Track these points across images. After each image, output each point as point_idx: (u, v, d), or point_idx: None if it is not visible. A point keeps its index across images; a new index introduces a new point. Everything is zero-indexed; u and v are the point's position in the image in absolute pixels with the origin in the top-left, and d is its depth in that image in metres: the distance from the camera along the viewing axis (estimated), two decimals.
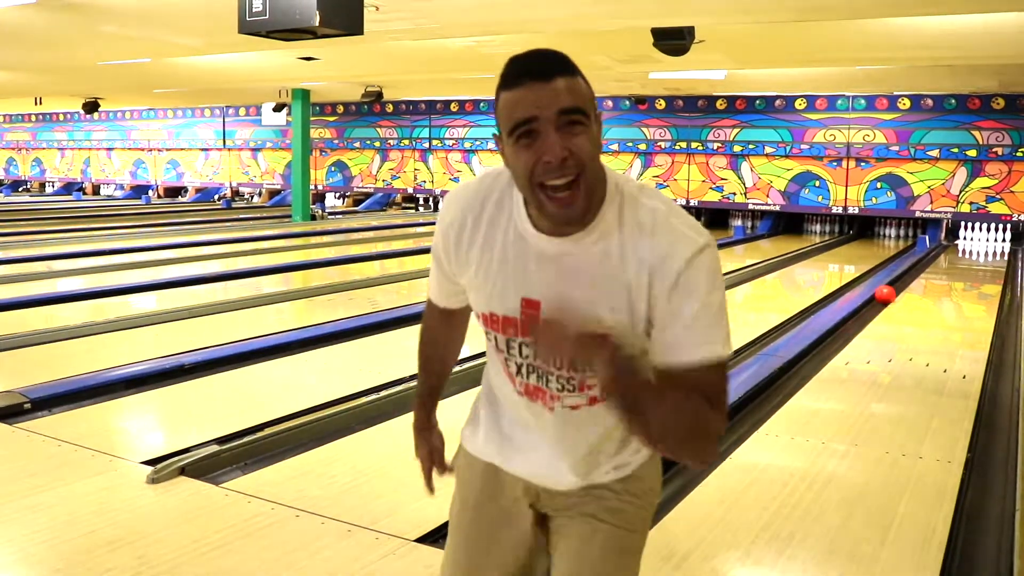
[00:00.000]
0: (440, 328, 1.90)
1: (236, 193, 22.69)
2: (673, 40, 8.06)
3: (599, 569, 1.69)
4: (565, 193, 1.43)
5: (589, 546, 1.69)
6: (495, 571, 1.79)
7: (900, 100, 15.06)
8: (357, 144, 20.68)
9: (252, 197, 22.77)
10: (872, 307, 8.33)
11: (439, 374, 1.96)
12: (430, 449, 1.95)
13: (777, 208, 16.45)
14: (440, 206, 1.70)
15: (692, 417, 1.43)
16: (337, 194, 21.67)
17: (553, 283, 1.52)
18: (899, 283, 10.09)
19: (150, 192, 23.68)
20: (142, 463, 3.86)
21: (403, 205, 21.05)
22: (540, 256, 1.52)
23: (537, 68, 1.44)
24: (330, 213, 19.13)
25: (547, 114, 1.41)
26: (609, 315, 1.47)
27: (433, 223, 12.10)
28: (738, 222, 17.28)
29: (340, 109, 20.68)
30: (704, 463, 1.54)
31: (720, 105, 16.48)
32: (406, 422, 4.69)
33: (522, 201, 1.54)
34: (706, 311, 1.44)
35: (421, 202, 20.76)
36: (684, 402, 1.43)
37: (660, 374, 1.47)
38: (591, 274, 1.49)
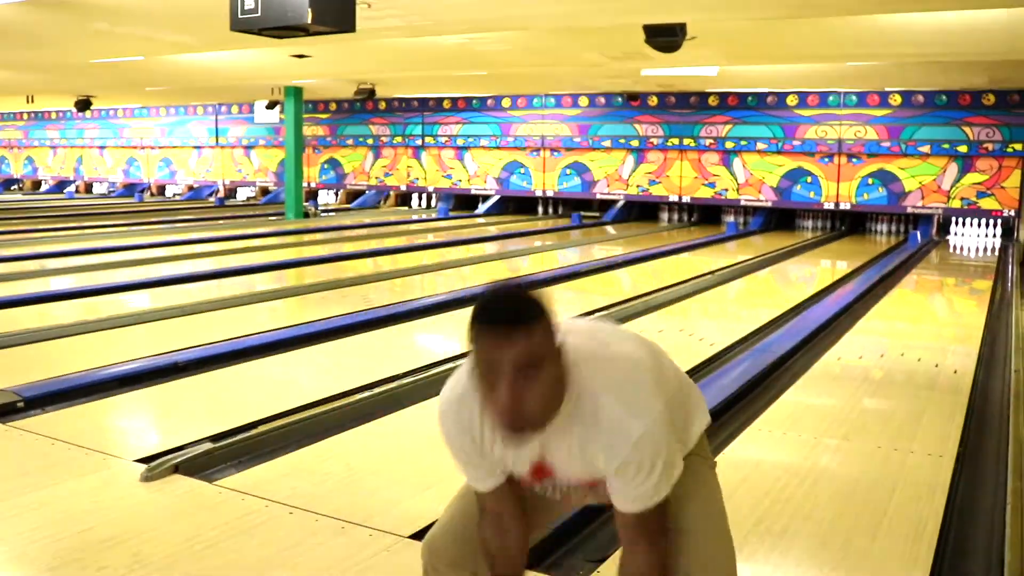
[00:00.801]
0: (499, 514, 2.01)
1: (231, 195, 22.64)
2: (665, 37, 8.07)
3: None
4: (511, 430, 1.73)
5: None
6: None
7: (891, 96, 15.10)
8: (350, 141, 20.66)
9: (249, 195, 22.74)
10: (864, 302, 8.36)
11: (511, 560, 2.04)
12: None
13: (769, 204, 16.49)
14: (441, 428, 1.99)
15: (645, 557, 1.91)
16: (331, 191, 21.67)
17: (546, 454, 1.89)
18: (891, 278, 10.13)
19: (143, 191, 23.63)
20: (136, 461, 3.86)
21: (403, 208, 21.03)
22: (525, 446, 1.87)
23: (500, 320, 1.64)
24: (323, 210, 19.11)
25: (503, 367, 1.63)
26: (590, 466, 1.87)
27: (423, 220, 12.13)
28: (730, 218, 17.30)
29: (333, 106, 20.66)
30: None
31: (712, 101, 16.50)
32: (399, 419, 4.72)
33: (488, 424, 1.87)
34: (648, 477, 1.80)
35: (418, 204, 20.71)
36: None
37: (619, 523, 1.94)
38: (565, 451, 1.86)
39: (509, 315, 1.63)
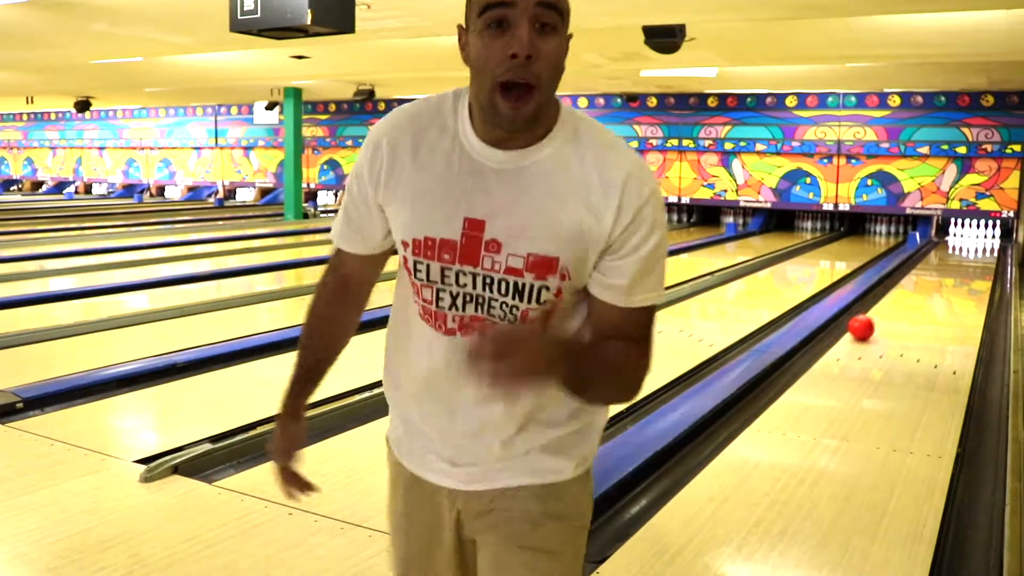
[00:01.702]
0: (338, 295, 1.71)
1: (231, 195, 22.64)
2: (664, 38, 8.07)
3: None
4: (519, 92, 1.33)
5: (514, 560, 1.55)
6: None
7: (890, 97, 15.11)
8: (349, 142, 20.65)
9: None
10: (863, 304, 8.36)
11: (325, 355, 1.75)
12: (291, 442, 1.75)
13: (768, 205, 16.49)
14: (372, 129, 1.52)
15: (629, 369, 1.43)
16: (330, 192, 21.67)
17: (504, 199, 1.40)
18: (889, 279, 10.13)
19: (142, 192, 23.64)
20: (135, 462, 3.86)
21: None
22: (489, 171, 1.41)
23: None
24: (322, 211, 19.11)
25: (523, 4, 1.31)
26: (569, 230, 1.38)
27: None
28: (729, 219, 17.30)
29: (332, 107, 20.65)
30: (633, 397, 1.48)
31: (711, 102, 16.51)
32: None
33: (467, 118, 1.44)
34: (656, 254, 1.42)
35: None
36: (620, 360, 1.42)
37: (596, 323, 1.45)
38: (548, 187, 1.39)
39: None
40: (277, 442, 1.75)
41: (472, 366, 1.25)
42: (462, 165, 1.42)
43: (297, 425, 1.77)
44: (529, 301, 1.41)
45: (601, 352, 1.42)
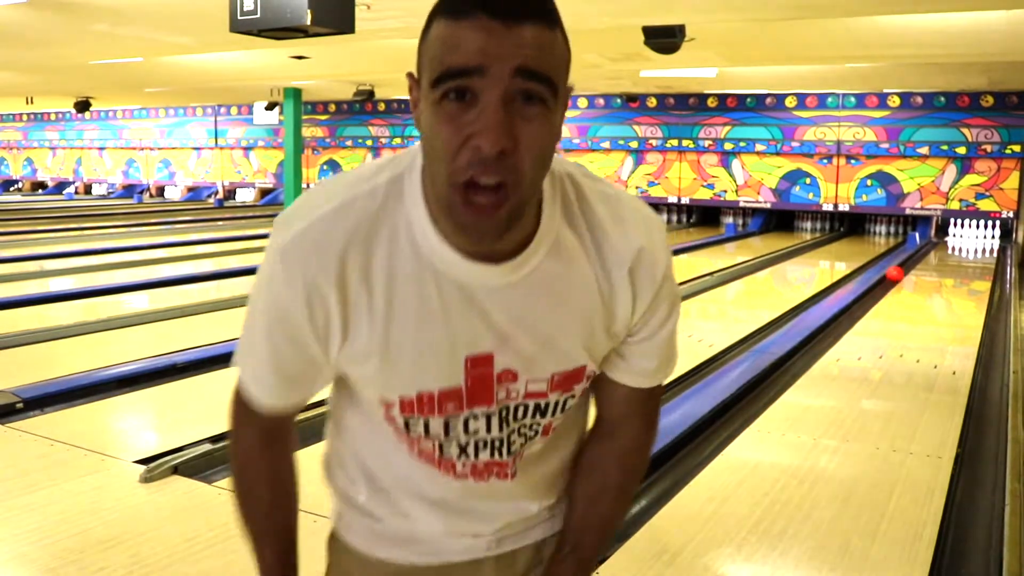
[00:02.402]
0: (278, 455, 1.34)
1: (231, 195, 22.64)
2: (664, 38, 8.07)
3: None
4: (485, 199, 0.98)
5: None
6: None
7: (890, 98, 15.11)
8: (349, 143, 20.65)
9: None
10: (862, 304, 8.36)
11: (290, 528, 1.40)
12: None
13: (768, 205, 16.49)
14: (276, 257, 1.09)
15: (638, 477, 1.35)
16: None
17: (509, 323, 1.11)
18: (889, 280, 10.13)
19: (142, 192, 23.64)
20: (135, 462, 3.86)
21: None
22: (480, 291, 1.09)
23: (503, 1, 0.96)
24: None
25: (497, 69, 0.95)
26: (589, 334, 1.16)
27: None
28: (729, 220, 17.30)
29: (332, 108, 20.66)
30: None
31: (711, 103, 16.51)
32: None
33: (427, 220, 1.07)
34: (675, 326, 1.23)
35: None
36: (630, 487, 1.34)
37: (611, 404, 1.28)
38: (556, 293, 1.12)
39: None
40: None
41: None
42: (443, 293, 1.08)
43: None
44: (553, 415, 1.20)
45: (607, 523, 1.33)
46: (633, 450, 1.32)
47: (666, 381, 1.29)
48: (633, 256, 1.13)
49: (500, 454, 1.20)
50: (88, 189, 25.07)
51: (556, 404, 1.19)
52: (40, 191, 25.65)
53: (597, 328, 1.15)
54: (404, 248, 1.07)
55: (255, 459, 1.33)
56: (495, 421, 1.17)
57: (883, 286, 9.61)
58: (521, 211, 1.03)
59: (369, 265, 1.07)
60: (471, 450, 1.19)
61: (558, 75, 1.00)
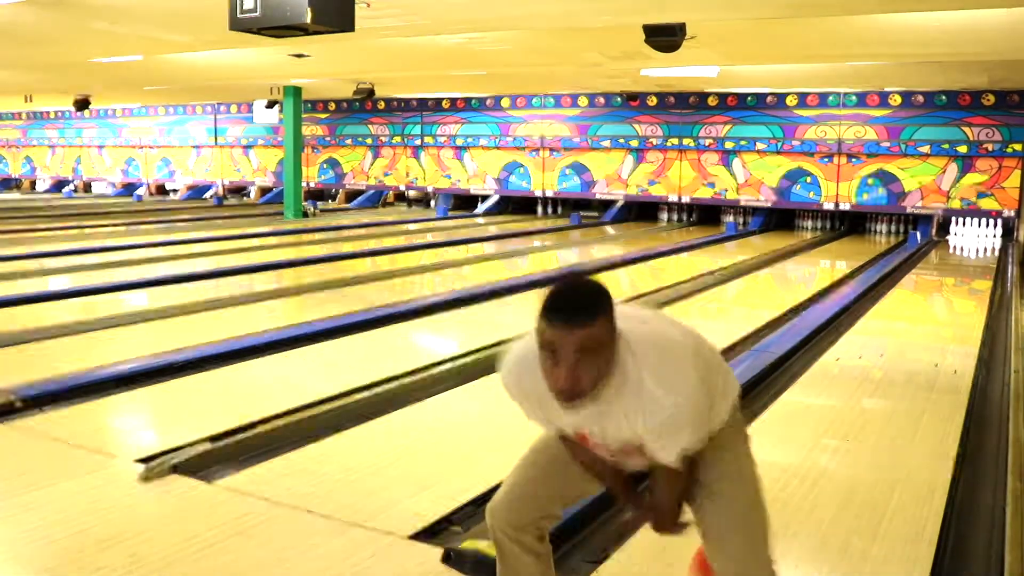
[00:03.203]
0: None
1: (239, 190, 22.61)
2: (665, 37, 8.07)
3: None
4: (567, 401, 1.96)
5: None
6: (558, 498, 2.38)
7: (891, 96, 15.10)
8: (349, 141, 20.65)
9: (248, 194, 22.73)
10: (863, 303, 8.36)
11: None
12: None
13: (769, 204, 16.48)
14: (505, 386, 2.18)
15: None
16: (332, 191, 21.67)
17: (590, 423, 2.13)
18: (890, 278, 10.12)
19: (141, 189, 23.64)
20: (134, 461, 3.85)
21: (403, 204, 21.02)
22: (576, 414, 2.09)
23: (566, 313, 1.88)
24: (322, 210, 19.11)
25: (565, 352, 1.88)
26: (627, 436, 2.10)
27: (422, 219, 12.20)
28: (730, 218, 17.30)
29: (332, 106, 20.65)
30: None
31: (712, 102, 16.50)
32: (398, 419, 4.70)
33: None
34: (677, 439, 2.08)
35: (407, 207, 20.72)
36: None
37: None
38: (616, 416, 2.07)
39: (578, 309, 1.89)
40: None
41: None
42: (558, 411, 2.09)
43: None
44: (640, 456, 2.19)
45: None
46: None
47: (671, 460, 2.14)
48: (642, 422, 2.05)
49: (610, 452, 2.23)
50: (87, 187, 25.07)
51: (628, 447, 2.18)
52: (39, 189, 25.64)
53: (635, 430, 2.08)
54: (541, 389, 2.03)
55: (566, 445, 2.33)
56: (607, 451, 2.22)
57: (883, 285, 9.61)
58: (593, 395, 1.99)
59: (529, 396, 2.14)
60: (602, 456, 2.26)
61: (602, 340, 1.92)
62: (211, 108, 22.04)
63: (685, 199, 17.13)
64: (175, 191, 23.63)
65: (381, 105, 19.90)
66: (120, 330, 6.64)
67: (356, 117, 20.43)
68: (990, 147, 14.59)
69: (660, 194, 17.32)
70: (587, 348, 1.88)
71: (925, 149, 14.99)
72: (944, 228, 15.52)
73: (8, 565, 2.94)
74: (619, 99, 17.16)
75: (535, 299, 1.98)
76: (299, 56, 11.25)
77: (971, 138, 14.66)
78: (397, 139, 20.01)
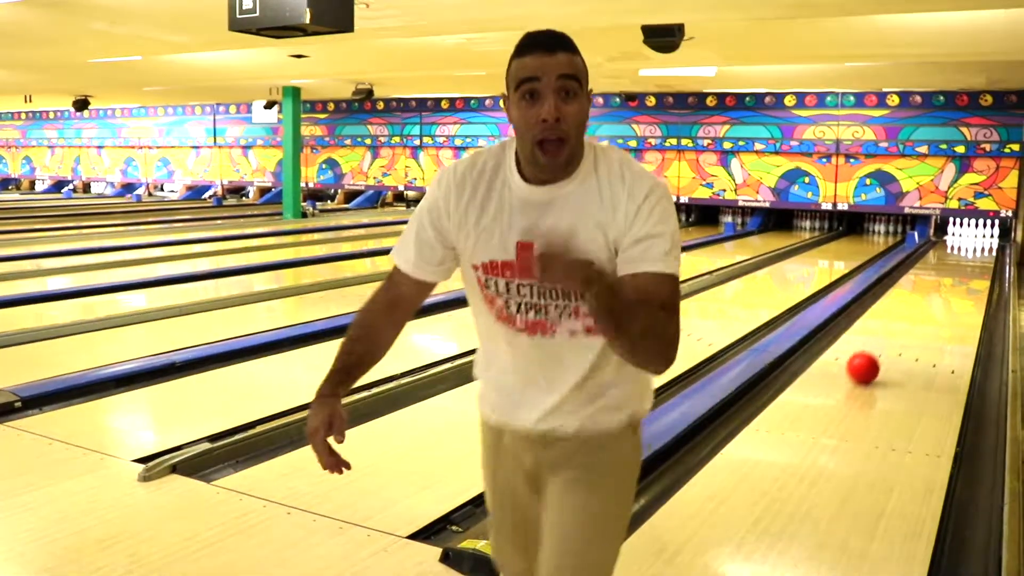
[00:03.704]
0: (384, 311, 1.99)
1: (239, 190, 22.60)
2: (663, 37, 8.07)
3: (577, 518, 1.85)
4: (553, 147, 1.72)
5: (571, 497, 1.86)
6: (533, 543, 1.93)
7: (889, 97, 15.11)
8: (348, 141, 20.65)
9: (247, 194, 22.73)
10: (861, 303, 8.36)
11: (361, 359, 2.00)
12: (329, 414, 1.87)
13: (767, 204, 16.49)
14: (436, 176, 1.88)
15: (659, 325, 1.69)
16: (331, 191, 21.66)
17: (541, 225, 1.77)
18: (888, 279, 10.13)
19: (140, 189, 23.64)
20: (133, 461, 3.86)
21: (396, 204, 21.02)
22: (531, 203, 1.79)
23: (544, 42, 1.73)
24: (321, 210, 19.10)
25: (548, 79, 1.70)
26: (587, 244, 1.73)
27: None
28: (728, 218, 17.31)
29: (331, 106, 20.65)
30: (667, 365, 1.71)
31: (710, 102, 16.50)
32: (397, 419, 4.70)
33: (514, 163, 1.81)
34: (662, 234, 1.73)
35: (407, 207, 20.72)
36: (652, 313, 1.68)
37: (631, 290, 1.72)
38: (573, 212, 1.76)
39: (555, 38, 1.75)
40: (314, 418, 1.86)
41: (535, 266, 1.59)
42: (512, 200, 1.80)
43: (335, 402, 1.90)
44: (579, 299, 1.77)
45: (633, 302, 1.68)
46: (653, 309, 1.69)
47: (665, 270, 1.73)
48: (622, 197, 1.75)
49: (542, 315, 1.81)
50: (87, 188, 25.05)
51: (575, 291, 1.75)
52: (38, 189, 25.63)
53: (603, 233, 1.74)
54: (499, 177, 1.82)
55: (375, 299, 2.00)
56: (535, 290, 1.79)
57: (881, 285, 9.62)
58: (571, 156, 1.75)
59: (479, 182, 1.82)
60: (523, 309, 1.82)
61: (581, 77, 1.74)
62: (210, 108, 22.03)
63: (684, 199, 17.13)
64: (172, 191, 23.61)
65: (380, 105, 19.89)
66: (119, 330, 6.65)
67: (355, 117, 20.43)
68: (988, 147, 14.60)
69: None
70: (570, 73, 1.71)
71: (923, 149, 15.00)
72: (942, 228, 15.53)
73: (8, 565, 2.95)
74: (618, 99, 17.17)
75: None
76: (298, 56, 11.24)
77: (969, 138, 14.67)
78: (396, 139, 20.01)
